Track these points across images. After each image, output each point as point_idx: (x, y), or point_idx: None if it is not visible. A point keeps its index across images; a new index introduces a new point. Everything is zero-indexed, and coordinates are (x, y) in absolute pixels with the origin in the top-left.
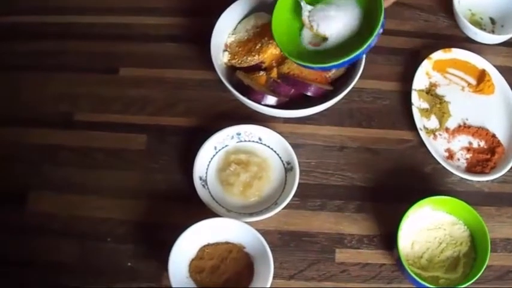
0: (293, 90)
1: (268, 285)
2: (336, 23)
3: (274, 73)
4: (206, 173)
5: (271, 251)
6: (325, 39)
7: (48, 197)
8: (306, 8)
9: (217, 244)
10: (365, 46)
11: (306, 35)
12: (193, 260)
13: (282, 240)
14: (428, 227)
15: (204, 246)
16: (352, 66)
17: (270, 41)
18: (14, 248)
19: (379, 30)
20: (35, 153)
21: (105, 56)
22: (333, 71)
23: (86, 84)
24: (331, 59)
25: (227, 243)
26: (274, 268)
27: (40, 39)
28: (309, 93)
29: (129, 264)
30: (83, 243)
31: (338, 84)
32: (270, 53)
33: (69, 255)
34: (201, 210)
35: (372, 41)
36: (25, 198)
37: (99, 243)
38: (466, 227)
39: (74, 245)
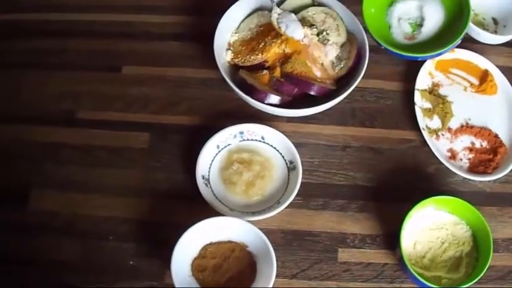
0: (296, 89)
1: (271, 285)
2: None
3: (277, 72)
4: (209, 171)
5: (274, 250)
6: (417, 34)
7: (50, 196)
8: (276, 10)
9: (219, 243)
10: (454, 43)
11: (396, 32)
12: (195, 258)
13: (285, 240)
14: (431, 227)
15: (207, 245)
16: (355, 66)
17: (274, 40)
18: (15, 246)
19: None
20: (37, 151)
21: (108, 54)
22: (337, 70)
23: (88, 82)
24: (423, 51)
25: (230, 242)
26: (277, 267)
27: (42, 37)
28: (312, 93)
29: (131, 262)
30: (85, 242)
31: (341, 83)
32: (274, 52)
33: (71, 253)
34: (204, 209)
35: (458, 40)
36: (27, 197)
37: (101, 241)
38: (468, 227)
39: (76, 243)
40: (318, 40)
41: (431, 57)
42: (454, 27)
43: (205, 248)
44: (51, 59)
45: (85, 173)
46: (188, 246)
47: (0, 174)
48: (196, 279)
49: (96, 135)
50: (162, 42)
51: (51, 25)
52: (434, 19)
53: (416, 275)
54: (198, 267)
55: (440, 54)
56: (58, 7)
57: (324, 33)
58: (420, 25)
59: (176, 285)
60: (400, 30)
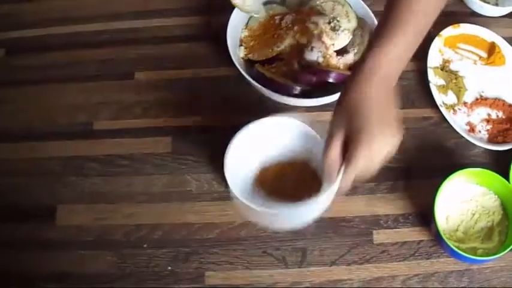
0: (315, 78)
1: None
2: None
3: (294, 63)
4: None
5: (309, 240)
6: None
7: (78, 210)
8: None
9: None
10: None
11: None
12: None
13: (319, 228)
14: (461, 200)
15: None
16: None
17: (287, 32)
18: (48, 263)
19: None
20: (59, 167)
21: (118, 62)
22: (351, 55)
23: (102, 92)
24: None
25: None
26: (314, 256)
27: (50, 51)
28: (330, 80)
29: (169, 268)
30: (119, 252)
31: None
32: (288, 43)
33: (107, 265)
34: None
35: None
36: (54, 213)
37: (136, 250)
38: (496, 196)
39: (111, 254)
40: (330, 28)
41: None
42: None
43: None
44: (61, 72)
45: (111, 183)
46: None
47: (25, 193)
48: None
49: (117, 144)
50: (170, 45)
51: (58, 38)
52: None
53: (453, 248)
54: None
55: None
56: (62, 20)
57: (335, 20)
58: None
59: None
60: None
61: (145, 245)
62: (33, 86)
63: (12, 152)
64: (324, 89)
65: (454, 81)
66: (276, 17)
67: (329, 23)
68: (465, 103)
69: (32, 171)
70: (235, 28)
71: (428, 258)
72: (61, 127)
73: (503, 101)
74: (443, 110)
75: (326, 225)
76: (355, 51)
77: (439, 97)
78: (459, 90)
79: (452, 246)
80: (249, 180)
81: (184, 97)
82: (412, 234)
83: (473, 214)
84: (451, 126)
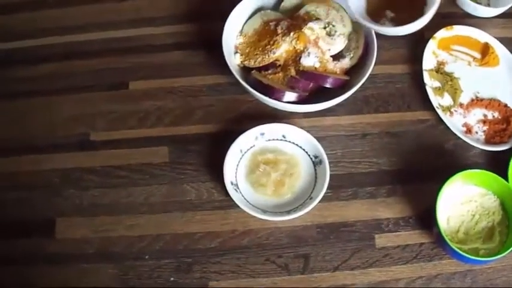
0: (312, 83)
1: None
2: None
3: (290, 69)
4: (236, 176)
5: (311, 246)
6: None
7: (77, 223)
8: None
9: None
10: None
11: None
12: None
13: (322, 234)
14: (461, 202)
15: None
16: (364, 54)
17: (283, 37)
18: (49, 278)
19: None
20: (57, 179)
21: (112, 72)
22: (347, 60)
23: (97, 103)
24: None
25: None
26: (317, 262)
27: (43, 62)
28: (327, 85)
29: (172, 279)
30: (121, 264)
31: (352, 73)
32: (284, 49)
33: (109, 278)
34: (237, 214)
35: None
36: (54, 227)
37: (137, 261)
38: (496, 196)
39: (112, 267)
40: (326, 33)
41: None
42: None
43: None
44: (55, 84)
45: (110, 195)
46: None
47: (23, 207)
48: None
49: (115, 155)
50: (164, 53)
51: (50, 49)
52: None
53: (456, 249)
54: None
55: None
56: (55, 30)
57: (330, 25)
58: None
59: None
60: None
61: (147, 257)
62: (28, 99)
63: (10, 165)
64: (321, 94)
65: (449, 83)
66: (270, 23)
67: (324, 28)
68: (461, 104)
69: (29, 185)
70: (230, 35)
71: (430, 261)
72: (58, 139)
73: (499, 101)
74: (439, 112)
75: (328, 230)
76: (351, 55)
77: (435, 99)
78: (455, 92)
79: (455, 248)
80: None
81: (179, 106)
82: (413, 237)
83: (474, 215)
84: (448, 128)
